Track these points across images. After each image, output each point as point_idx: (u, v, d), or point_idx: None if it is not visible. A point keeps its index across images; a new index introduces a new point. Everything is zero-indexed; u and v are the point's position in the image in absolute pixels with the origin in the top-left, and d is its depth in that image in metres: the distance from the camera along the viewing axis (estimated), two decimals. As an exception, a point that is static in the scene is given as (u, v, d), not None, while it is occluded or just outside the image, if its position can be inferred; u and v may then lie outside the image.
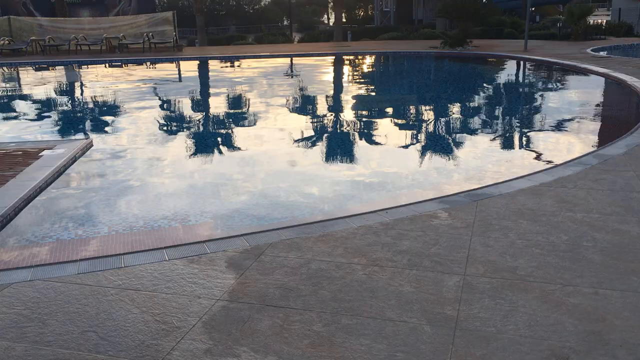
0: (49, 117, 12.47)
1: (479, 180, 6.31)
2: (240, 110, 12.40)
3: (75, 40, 24.46)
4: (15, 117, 12.27)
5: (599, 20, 32.72)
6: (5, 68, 21.59)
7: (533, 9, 26.13)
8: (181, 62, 22.48)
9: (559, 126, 9.81)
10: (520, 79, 17.39)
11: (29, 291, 3.62)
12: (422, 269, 3.75)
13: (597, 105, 12.12)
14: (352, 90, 15.91)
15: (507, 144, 9.05)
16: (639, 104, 10.86)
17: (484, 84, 16.75)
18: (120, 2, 41.54)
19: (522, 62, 18.68)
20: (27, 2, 37.36)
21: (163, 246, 4.43)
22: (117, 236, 5.06)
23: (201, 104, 14.15)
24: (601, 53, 19.16)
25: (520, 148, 8.69)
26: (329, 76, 20.03)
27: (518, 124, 10.58)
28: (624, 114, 11.09)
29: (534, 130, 9.81)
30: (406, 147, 8.86)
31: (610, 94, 13.40)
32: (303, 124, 10.93)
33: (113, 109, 13.12)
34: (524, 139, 9.29)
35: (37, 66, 21.91)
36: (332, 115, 11.98)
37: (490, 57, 20.27)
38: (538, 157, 7.73)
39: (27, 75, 20.48)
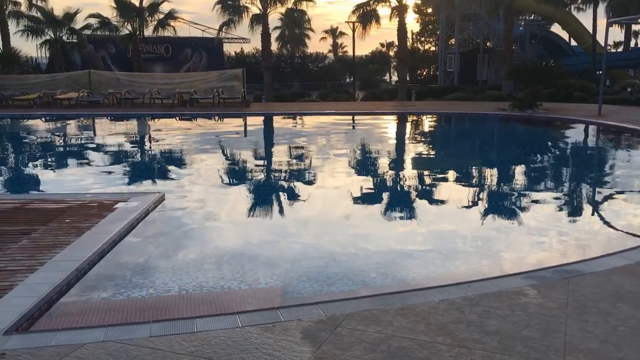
0: (124, 168, 12.81)
1: (566, 255, 5.93)
2: (309, 169, 12.39)
3: (149, 94, 25.50)
4: (93, 168, 12.66)
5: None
6: (83, 119, 22.62)
7: (599, 72, 25.47)
8: (249, 118, 22.97)
9: None
10: (600, 145, 16.79)
11: (101, 354, 3.52)
12: (516, 355, 3.44)
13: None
14: (422, 152, 15.75)
15: (593, 215, 8.60)
16: None
17: (561, 150, 16.24)
18: (191, 58, 43.40)
19: (598, 127, 18.04)
20: (105, 57, 39.54)
21: (236, 311, 4.30)
22: (188, 297, 4.97)
23: (270, 160, 14.27)
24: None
25: (607, 220, 8.18)
26: (398, 136, 19.94)
27: (603, 194, 10.05)
28: None
29: (621, 201, 9.31)
30: (484, 214, 8.54)
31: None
32: (376, 186, 10.81)
33: (184, 162, 13.39)
34: (611, 210, 8.79)
35: (112, 118, 22.86)
36: (405, 177, 11.80)
37: (562, 121, 19.71)
38: (628, 231, 7.24)
39: (103, 127, 21.36)
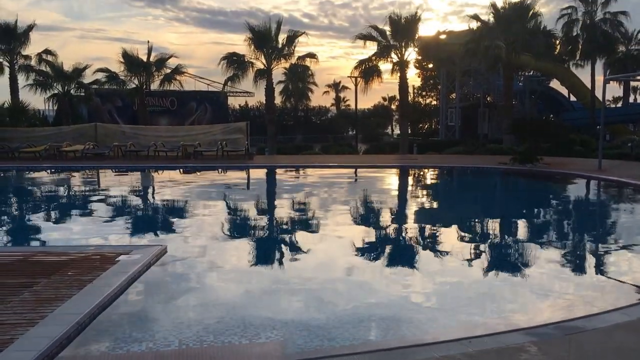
0: (127, 220, 12.89)
1: (568, 311, 5.90)
2: (311, 223, 12.44)
3: (154, 147, 25.83)
4: (96, 220, 12.74)
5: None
6: (88, 171, 22.84)
7: (598, 127, 25.75)
8: (252, 170, 23.18)
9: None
10: (601, 200, 16.86)
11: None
12: (517, 413, 3.41)
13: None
14: (423, 206, 15.81)
15: (595, 271, 8.58)
16: None
17: (563, 205, 16.30)
18: (196, 111, 44.13)
19: (599, 182, 18.14)
20: (112, 110, 40.26)
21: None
22: (188, 351, 4.95)
23: (272, 213, 14.33)
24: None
25: (609, 276, 8.14)
26: (400, 189, 20.04)
27: (604, 250, 10.02)
28: None
29: (623, 257, 9.29)
30: (485, 269, 8.53)
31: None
32: (377, 239, 10.85)
33: (186, 215, 13.46)
34: (613, 266, 8.77)
35: (117, 170, 23.09)
36: (406, 231, 11.83)
37: (563, 176, 19.84)
38: (631, 287, 7.22)
39: (108, 179, 21.54)
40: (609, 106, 49.72)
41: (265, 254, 9.55)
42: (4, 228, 11.99)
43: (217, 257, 8.96)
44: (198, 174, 22.22)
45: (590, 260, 9.33)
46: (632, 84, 41.94)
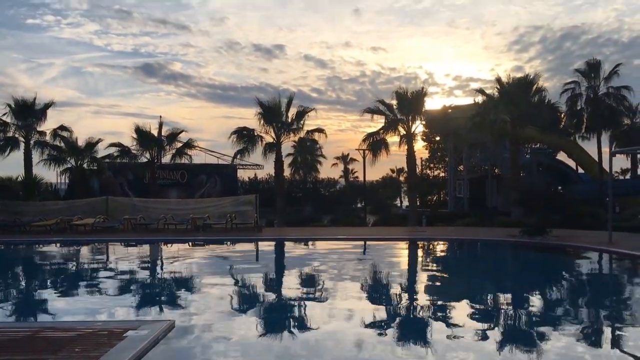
0: (135, 294, 12.84)
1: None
2: (320, 297, 12.35)
3: (163, 220, 26.00)
4: (104, 294, 12.71)
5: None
6: (97, 244, 22.93)
7: (607, 199, 25.70)
8: (261, 243, 23.19)
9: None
10: (613, 273, 16.71)
11: None
12: None
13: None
14: (433, 280, 15.68)
15: (609, 346, 8.41)
16: None
17: (574, 279, 16.12)
18: (206, 183, 44.60)
19: (610, 256, 17.98)
20: (123, 183, 40.76)
21: None
22: None
23: (281, 287, 14.25)
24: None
25: (624, 351, 7.99)
26: (410, 263, 19.93)
27: (617, 325, 9.84)
28: None
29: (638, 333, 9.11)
30: (498, 346, 8.39)
31: None
32: (387, 315, 10.73)
33: (194, 289, 13.40)
34: (628, 341, 8.60)
35: (126, 243, 23.16)
36: (416, 307, 11.70)
37: (573, 249, 19.70)
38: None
39: (117, 252, 21.61)
40: (617, 178, 49.74)
41: (274, 329, 9.44)
42: (11, 303, 11.98)
43: (226, 332, 8.88)
44: (207, 247, 22.24)
45: (604, 338, 9.15)
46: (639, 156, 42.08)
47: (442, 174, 53.78)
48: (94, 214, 26.84)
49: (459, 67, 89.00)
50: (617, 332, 9.25)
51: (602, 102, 33.77)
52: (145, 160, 33.50)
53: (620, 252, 17.62)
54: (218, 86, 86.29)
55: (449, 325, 9.61)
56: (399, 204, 59.11)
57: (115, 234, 24.81)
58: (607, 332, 9.45)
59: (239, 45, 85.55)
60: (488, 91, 31.91)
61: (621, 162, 52.38)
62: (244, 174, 51.25)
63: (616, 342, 8.67)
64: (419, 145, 45.10)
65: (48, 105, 32.93)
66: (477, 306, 11.66)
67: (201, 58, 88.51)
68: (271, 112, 31.80)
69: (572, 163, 42.94)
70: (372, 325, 9.43)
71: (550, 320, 9.99)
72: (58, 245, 22.80)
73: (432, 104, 38.63)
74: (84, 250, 21.84)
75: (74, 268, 17.88)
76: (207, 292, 12.67)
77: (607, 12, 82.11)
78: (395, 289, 13.60)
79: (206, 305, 11.00)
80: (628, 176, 49.23)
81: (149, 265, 18.63)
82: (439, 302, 11.94)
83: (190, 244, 22.84)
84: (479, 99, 32.35)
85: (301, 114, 32.36)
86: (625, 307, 11.56)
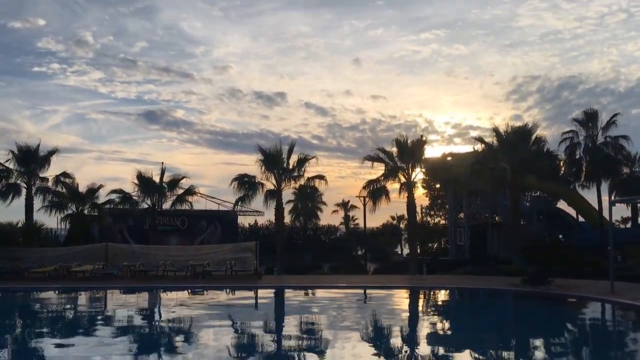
0: (129, 344, 12.70)
1: None
2: (319, 347, 12.22)
3: (163, 266, 25.88)
4: (98, 342, 12.56)
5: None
6: (95, 291, 22.77)
7: (608, 247, 25.62)
8: (260, 290, 23.03)
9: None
10: (616, 324, 16.53)
11: None
12: None
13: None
14: (434, 331, 15.51)
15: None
16: None
17: (577, 330, 15.95)
18: (206, 229, 44.48)
19: (613, 306, 17.81)
20: (123, 230, 40.65)
21: None
22: None
23: (280, 337, 14.08)
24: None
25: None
26: (411, 312, 19.73)
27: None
28: None
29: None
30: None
31: None
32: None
33: (191, 339, 13.26)
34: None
35: (125, 290, 22.99)
36: (417, 358, 11.55)
37: (575, 298, 19.53)
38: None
39: (115, 300, 21.43)
40: (618, 227, 49.66)
41: None
42: (4, 352, 11.83)
43: None
44: (206, 294, 22.07)
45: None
46: None
47: (442, 222, 53.73)
48: (93, 261, 26.73)
49: (459, 115, 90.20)
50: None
51: (601, 151, 33.99)
52: (146, 206, 33.55)
53: (622, 302, 17.47)
54: (220, 133, 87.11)
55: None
56: (399, 252, 58.86)
57: (114, 281, 24.65)
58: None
59: (241, 92, 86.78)
60: (487, 139, 32.17)
61: (622, 210, 52.32)
62: (244, 220, 51.19)
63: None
64: (419, 193, 45.20)
65: (51, 153, 33.19)
66: (480, 357, 11.50)
67: (203, 105, 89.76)
68: (272, 159, 32.03)
69: (572, 211, 42.90)
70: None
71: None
72: (56, 292, 22.64)
73: (432, 151, 38.98)
74: (82, 298, 21.69)
75: (71, 316, 17.72)
76: (205, 344, 12.53)
77: (603, 63, 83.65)
78: (396, 340, 13.45)
79: (203, 355, 10.87)
80: (629, 225, 49.16)
81: (146, 314, 18.46)
82: (441, 353, 11.78)
83: (189, 291, 22.67)
84: (479, 147, 32.61)
85: (302, 161, 32.58)
86: (628, 359, 11.41)
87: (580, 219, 42.24)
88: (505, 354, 12.15)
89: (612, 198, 29.35)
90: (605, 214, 33.02)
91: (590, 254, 29.11)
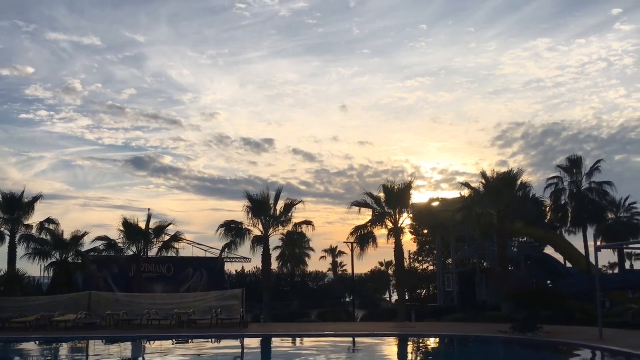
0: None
1: None
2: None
3: (147, 315, 25.38)
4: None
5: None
6: (77, 342, 22.22)
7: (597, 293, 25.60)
8: (247, 340, 22.58)
9: None
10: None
11: None
12: None
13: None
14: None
15: None
16: None
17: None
18: (193, 277, 43.95)
19: (602, 353, 17.67)
20: (107, 277, 40.07)
21: None
22: None
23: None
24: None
25: None
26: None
27: None
28: None
29: None
30: None
31: None
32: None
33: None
34: None
35: (108, 341, 22.44)
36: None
37: (564, 346, 19.34)
38: None
39: (96, 351, 20.89)
40: (606, 272, 49.79)
41: None
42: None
43: None
44: (191, 343, 21.60)
45: None
46: (626, 250, 42.37)
47: (431, 267, 53.56)
48: (76, 310, 26.18)
49: (445, 161, 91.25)
50: None
51: (586, 197, 34.36)
52: (131, 253, 33.15)
53: (612, 349, 17.31)
54: (207, 179, 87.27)
55: None
56: (388, 298, 58.40)
57: (97, 331, 24.09)
58: None
59: (229, 139, 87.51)
60: (474, 185, 32.46)
61: (609, 256, 52.62)
62: (231, 267, 50.70)
63: None
64: (407, 238, 45.20)
65: (36, 199, 32.93)
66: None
67: (191, 152, 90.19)
68: (259, 206, 32.00)
69: (560, 257, 43.01)
70: None
71: None
72: (37, 343, 22.05)
73: (419, 197, 39.13)
74: (63, 349, 21.12)
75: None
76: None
77: (585, 110, 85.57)
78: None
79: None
80: (616, 270, 49.30)
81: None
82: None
83: (174, 341, 22.17)
84: (465, 192, 32.84)
85: (289, 207, 32.56)
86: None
87: (568, 264, 42.34)
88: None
89: (598, 243, 29.44)
90: (593, 259, 33.13)
91: (578, 300, 29.03)
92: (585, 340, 19.11)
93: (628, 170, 75.14)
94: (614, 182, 34.71)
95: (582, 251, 35.58)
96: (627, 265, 54.56)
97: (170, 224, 33.79)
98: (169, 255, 34.47)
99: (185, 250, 40.30)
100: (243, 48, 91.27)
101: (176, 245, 34.12)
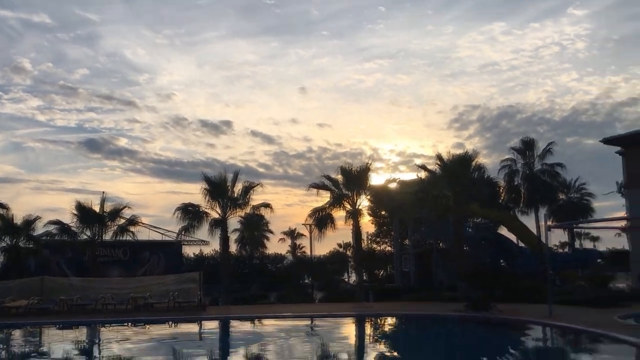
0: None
1: None
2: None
3: (102, 299, 24.97)
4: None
5: (621, 286, 32.81)
6: (29, 327, 21.71)
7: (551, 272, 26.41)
8: (204, 322, 22.50)
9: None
10: (554, 347, 16.95)
11: None
12: None
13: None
14: (379, 357, 15.46)
15: None
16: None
17: (518, 353, 16.26)
18: (149, 260, 43.32)
19: (549, 329, 18.31)
20: (61, 262, 39.08)
21: None
22: None
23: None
24: (629, 320, 18.73)
25: None
26: (357, 341, 19.66)
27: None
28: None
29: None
30: None
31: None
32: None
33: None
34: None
35: (61, 326, 22.03)
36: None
37: (516, 323, 19.94)
38: None
39: (49, 336, 20.50)
40: (557, 252, 51.31)
41: None
42: None
43: None
44: (147, 327, 21.37)
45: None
46: (576, 229, 43.76)
47: (388, 248, 54.15)
48: (29, 295, 25.55)
49: (403, 143, 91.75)
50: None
51: (538, 178, 35.20)
52: (85, 237, 32.43)
53: (560, 325, 17.91)
54: (164, 161, 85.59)
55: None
56: (346, 279, 58.90)
57: (50, 316, 23.60)
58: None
59: (186, 120, 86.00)
60: (430, 167, 32.81)
61: (560, 235, 54.25)
62: (189, 250, 50.12)
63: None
64: (366, 220, 45.53)
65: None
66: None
67: (147, 133, 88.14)
68: (217, 188, 31.69)
69: (513, 237, 44.05)
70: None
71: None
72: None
73: (377, 179, 39.29)
74: (15, 335, 20.61)
75: (1, 356, 16.79)
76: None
77: (539, 93, 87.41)
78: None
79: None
80: (567, 249, 50.91)
81: (82, 350, 17.68)
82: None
83: (129, 324, 21.88)
84: (422, 174, 33.20)
85: (247, 189, 32.35)
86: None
87: (521, 244, 43.42)
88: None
89: (549, 223, 30.28)
90: (545, 239, 34.10)
91: (531, 279, 29.88)
92: (534, 317, 19.73)
93: (579, 152, 77.31)
94: (565, 164, 35.69)
95: (535, 231, 36.55)
96: (577, 245, 56.37)
97: (125, 207, 33.16)
98: (125, 239, 33.85)
99: (142, 234, 39.62)
100: (200, 28, 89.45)
101: (132, 228, 33.49)
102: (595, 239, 72.10)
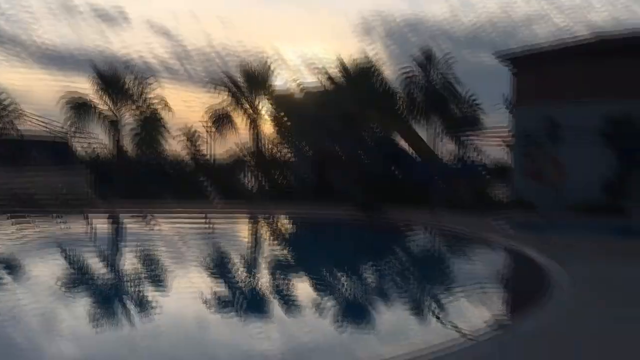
0: None
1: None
2: (156, 274, 11.92)
3: (-19, 194, 23.47)
4: None
5: (500, 196, 35.18)
6: None
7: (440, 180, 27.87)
8: (95, 218, 21.85)
9: (469, 296, 9.97)
10: (436, 246, 18.39)
11: None
12: None
13: (500, 275, 12.56)
14: (266, 254, 15.86)
15: (419, 314, 9.03)
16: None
17: (399, 252, 17.31)
18: (36, 157, 40.94)
19: (432, 230, 19.73)
20: None
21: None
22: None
23: (114, 266, 13.52)
24: (500, 223, 20.31)
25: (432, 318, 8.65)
26: (250, 239, 20.05)
27: (429, 294, 10.65)
28: (525, 288, 10.98)
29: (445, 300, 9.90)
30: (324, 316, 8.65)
31: (516, 265, 13.80)
32: (222, 290, 10.65)
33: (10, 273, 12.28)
34: (435, 309, 9.31)
35: None
36: (251, 280, 11.74)
37: (404, 224, 21.19)
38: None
39: None
40: (447, 163, 53.72)
41: (109, 312, 8.82)
42: None
43: (54, 322, 7.98)
44: (32, 223, 20.44)
45: (415, 305, 9.84)
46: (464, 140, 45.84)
47: (289, 155, 54.51)
48: None
49: (308, 47, 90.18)
50: (440, 302, 9.98)
51: (435, 90, 36.18)
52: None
53: (443, 227, 19.18)
54: (53, 51, 79.25)
55: (283, 300, 9.75)
56: (246, 184, 59.03)
57: None
58: (431, 301, 10.15)
59: (76, 7, 79.29)
60: (333, 74, 32.71)
61: (452, 150, 56.77)
62: (80, 149, 47.86)
63: (441, 311, 9.33)
64: (267, 124, 45.29)
65: None
66: (312, 280, 11.96)
67: (33, 20, 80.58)
68: (109, 81, 30.02)
69: (407, 147, 45.62)
70: (212, 300, 9.29)
71: (372, 290, 10.53)
72: None
73: (280, 83, 38.72)
74: None
75: None
76: (28, 277, 11.62)
77: (443, 7, 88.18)
78: (234, 265, 13.53)
79: (28, 293, 10.09)
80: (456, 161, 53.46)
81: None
82: (274, 277, 12.07)
83: (8, 216, 20.71)
84: (325, 81, 33.11)
85: (142, 85, 30.90)
86: (445, 277, 12.52)
87: (414, 154, 45.14)
88: (336, 275, 12.75)
89: (440, 134, 31.49)
90: (437, 150, 35.64)
91: (421, 186, 31.38)
92: (422, 220, 21.01)
93: (477, 67, 79.78)
94: (461, 78, 36.77)
95: (428, 142, 37.99)
96: (465, 156, 59.35)
97: (7, 98, 30.64)
98: (9, 133, 31.59)
99: (30, 132, 37.11)
100: None
101: (15, 122, 31.23)
102: (479, 151, 76.18)
